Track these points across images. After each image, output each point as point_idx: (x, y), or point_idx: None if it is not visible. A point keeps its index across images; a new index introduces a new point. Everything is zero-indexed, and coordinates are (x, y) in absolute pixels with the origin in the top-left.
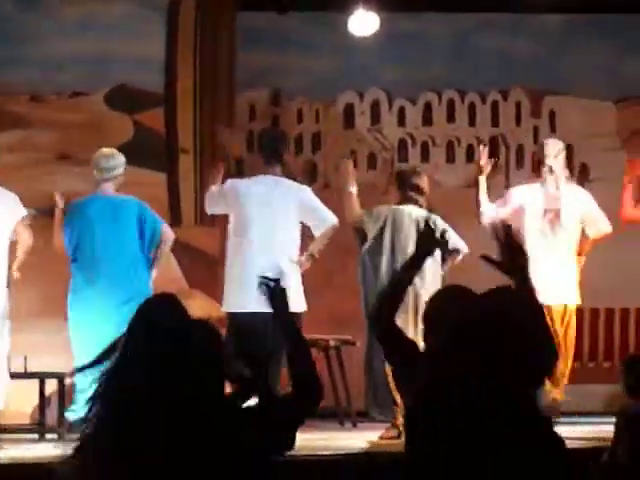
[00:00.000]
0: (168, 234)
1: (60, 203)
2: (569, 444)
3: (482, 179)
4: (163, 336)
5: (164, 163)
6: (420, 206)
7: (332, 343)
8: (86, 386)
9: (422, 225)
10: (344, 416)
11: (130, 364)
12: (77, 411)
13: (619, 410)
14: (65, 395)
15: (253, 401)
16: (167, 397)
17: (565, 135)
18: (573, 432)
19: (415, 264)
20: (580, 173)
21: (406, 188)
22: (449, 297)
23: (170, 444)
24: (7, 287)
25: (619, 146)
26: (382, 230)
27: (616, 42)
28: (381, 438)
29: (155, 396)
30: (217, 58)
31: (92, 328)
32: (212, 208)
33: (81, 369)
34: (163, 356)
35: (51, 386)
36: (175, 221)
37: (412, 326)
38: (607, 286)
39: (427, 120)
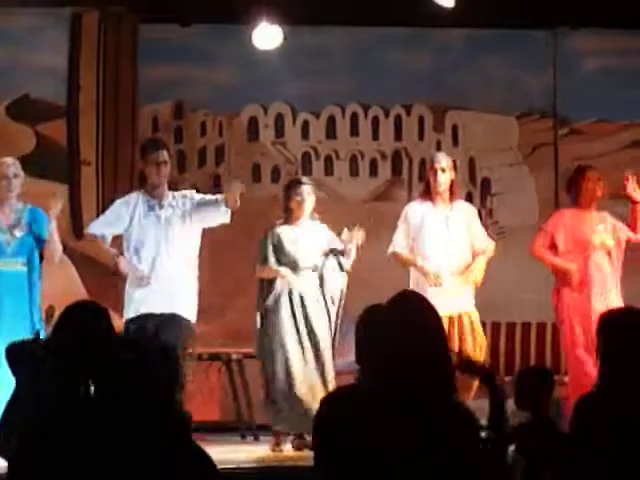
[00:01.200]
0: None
1: None
2: None
3: None
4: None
5: (66, 175)
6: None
7: (234, 356)
8: None
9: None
10: (246, 429)
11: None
12: None
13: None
14: None
15: None
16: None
17: (467, 149)
18: None
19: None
20: (483, 187)
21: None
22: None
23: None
24: None
25: (521, 160)
26: None
27: (517, 57)
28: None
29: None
30: (120, 70)
31: None
32: None
33: None
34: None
35: None
36: (77, 233)
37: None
38: (508, 300)
39: (331, 134)
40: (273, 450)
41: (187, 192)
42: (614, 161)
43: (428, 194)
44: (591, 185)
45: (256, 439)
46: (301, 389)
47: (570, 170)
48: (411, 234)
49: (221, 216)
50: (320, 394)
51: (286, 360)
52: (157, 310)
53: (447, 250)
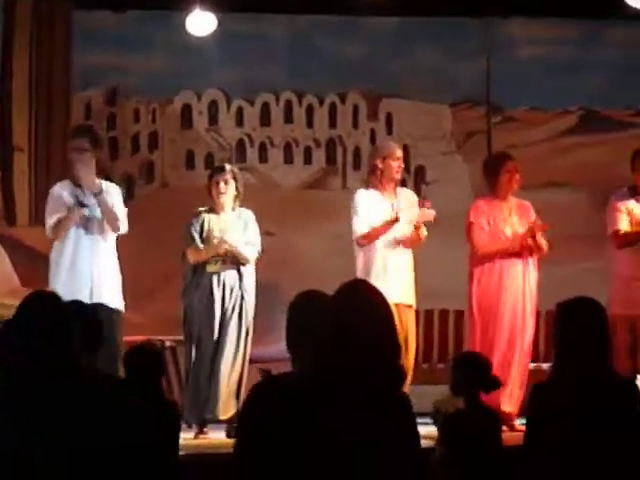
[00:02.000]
0: None
1: None
2: None
3: None
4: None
5: None
6: None
7: (168, 344)
8: None
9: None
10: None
11: None
12: None
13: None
14: None
15: None
16: None
17: (401, 138)
18: None
19: None
20: (417, 175)
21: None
22: (306, 304)
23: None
24: None
25: (454, 149)
26: None
27: (450, 46)
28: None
29: None
30: (53, 57)
31: None
32: None
33: None
34: None
35: None
36: (9, 220)
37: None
38: (441, 287)
39: (265, 121)
40: (196, 437)
41: (115, 193)
42: (547, 149)
43: (379, 182)
44: (508, 177)
45: (189, 426)
46: (224, 376)
47: (516, 160)
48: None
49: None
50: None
51: (210, 347)
52: (86, 301)
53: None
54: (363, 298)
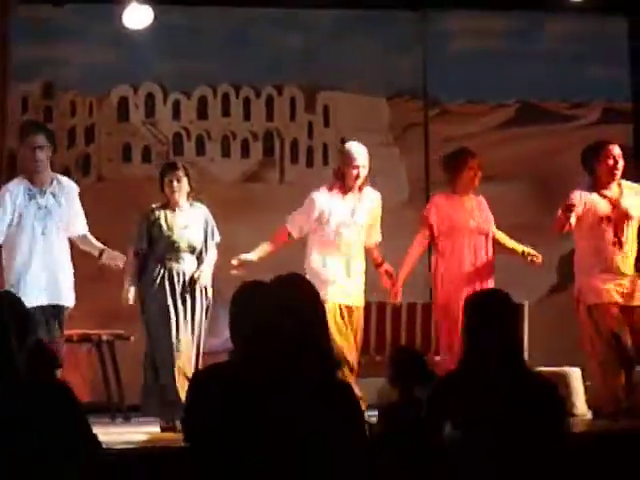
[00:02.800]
0: None
1: None
2: None
3: None
4: None
5: None
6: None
7: (105, 337)
8: None
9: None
10: (116, 411)
11: None
12: None
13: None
14: None
15: None
16: None
17: (339, 130)
18: None
19: None
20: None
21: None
22: (249, 296)
23: None
24: None
25: (391, 141)
26: None
27: (387, 38)
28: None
29: None
30: None
31: None
32: None
33: None
34: None
35: None
36: None
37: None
38: (378, 280)
39: (202, 114)
40: (162, 430)
41: (72, 192)
42: (484, 141)
43: (340, 185)
44: (471, 174)
45: (126, 420)
46: (182, 372)
47: (447, 151)
48: (315, 220)
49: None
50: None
51: (167, 339)
52: (44, 302)
53: (350, 243)
54: (293, 290)
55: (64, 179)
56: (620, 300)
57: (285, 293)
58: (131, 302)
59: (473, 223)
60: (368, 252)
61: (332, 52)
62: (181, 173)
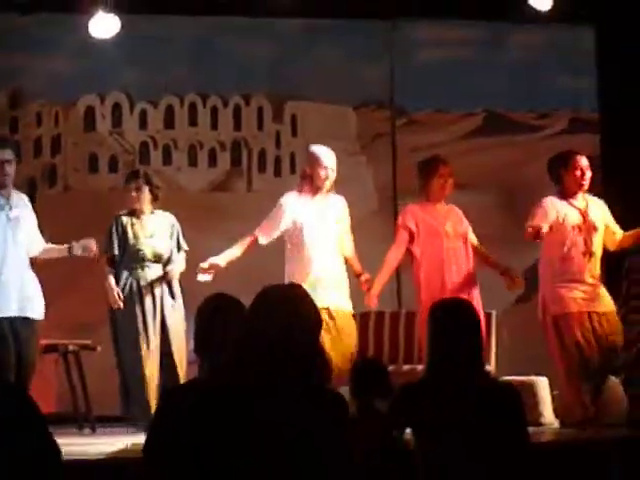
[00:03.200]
0: None
1: None
2: None
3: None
4: None
5: None
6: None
7: (71, 348)
8: None
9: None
10: (83, 421)
11: None
12: None
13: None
14: None
15: None
16: None
17: (306, 140)
18: None
19: None
20: None
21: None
22: (214, 308)
23: None
24: None
25: (359, 151)
26: None
27: (355, 48)
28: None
29: None
30: None
31: None
32: None
33: None
34: None
35: None
36: None
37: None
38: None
39: (169, 123)
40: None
41: (29, 206)
42: (450, 151)
43: (309, 189)
44: (442, 181)
45: (93, 431)
46: (152, 380)
47: (414, 160)
48: (286, 227)
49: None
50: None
51: (137, 351)
52: (12, 313)
53: (326, 244)
54: (277, 301)
55: (22, 194)
56: (585, 308)
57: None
58: (121, 306)
59: (450, 227)
60: (347, 262)
61: (300, 61)
62: (141, 182)
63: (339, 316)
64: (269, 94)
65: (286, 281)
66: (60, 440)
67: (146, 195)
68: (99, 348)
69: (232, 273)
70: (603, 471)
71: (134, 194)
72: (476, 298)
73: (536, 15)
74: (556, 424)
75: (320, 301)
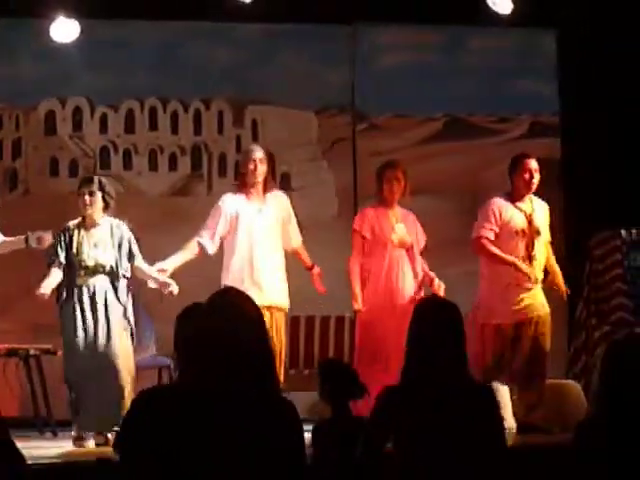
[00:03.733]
0: None
1: None
2: None
3: None
4: None
5: None
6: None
7: (32, 352)
8: None
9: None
10: (43, 425)
11: None
12: None
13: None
14: None
15: None
16: None
17: (267, 144)
18: None
19: None
20: (282, 182)
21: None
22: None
23: None
24: None
25: (320, 155)
26: None
27: (315, 52)
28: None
29: None
30: None
31: None
32: None
33: None
34: None
35: None
36: None
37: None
38: (307, 293)
39: (129, 128)
40: (76, 445)
41: None
42: (411, 156)
43: (243, 186)
44: (389, 185)
45: (54, 435)
46: (92, 386)
47: (375, 165)
48: (226, 227)
49: None
50: (114, 390)
51: (78, 356)
52: None
53: (263, 242)
54: (232, 305)
55: None
56: (518, 317)
57: (216, 309)
58: (46, 291)
59: (395, 237)
60: (295, 255)
61: (261, 66)
62: (95, 187)
63: (275, 313)
64: (230, 99)
65: (223, 279)
66: (21, 444)
67: (98, 202)
68: (59, 352)
69: (187, 278)
70: (562, 474)
71: (86, 198)
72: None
73: (497, 19)
74: (514, 429)
75: (260, 299)
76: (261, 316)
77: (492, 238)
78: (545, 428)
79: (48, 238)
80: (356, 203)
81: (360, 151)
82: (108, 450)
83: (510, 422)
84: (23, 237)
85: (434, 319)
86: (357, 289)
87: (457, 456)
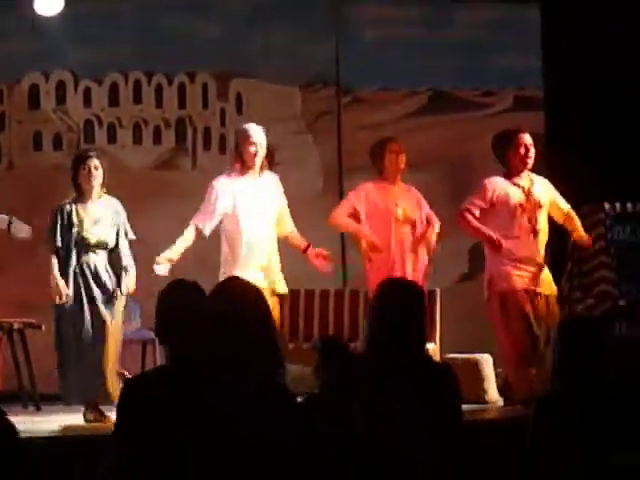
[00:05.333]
0: None
1: None
2: None
3: None
4: None
5: None
6: None
7: (16, 326)
8: None
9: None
10: (28, 400)
11: None
12: None
13: None
14: None
15: None
16: None
17: (251, 118)
18: None
19: None
20: (266, 156)
21: None
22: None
23: None
24: None
25: (304, 129)
26: None
27: (300, 26)
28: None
29: None
30: None
31: None
32: None
33: None
34: None
35: None
36: None
37: None
38: (300, 269)
39: (113, 101)
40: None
41: None
42: (396, 130)
43: (240, 168)
44: (393, 158)
45: (38, 409)
46: (91, 361)
47: (360, 139)
48: (222, 209)
49: None
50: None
51: (77, 331)
52: None
53: (261, 226)
54: (238, 293)
55: None
56: (529, 286)
57: (225, 297)
58: (65, 299)
59: (400, 211)
60: (290, 241)
61: (245, 39)
62: (98, 162)
63: (273, 297)
64: (214, 72)
65: (223, 262)
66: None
67: (100, 177)
68: (44, 327)
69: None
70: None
71: (94, 172)
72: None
73: None
74: (500, 402)
75: (262, 283)
76: (265, 301)
77: (476, 213)
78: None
79: (26, 234)
80: (341, 176)
81: (345, 125)
82: (102, 426)
83: (493, 395)
84: (7, 218)
85: (393, 297)
86: (353, 225)
87: (412, 432)
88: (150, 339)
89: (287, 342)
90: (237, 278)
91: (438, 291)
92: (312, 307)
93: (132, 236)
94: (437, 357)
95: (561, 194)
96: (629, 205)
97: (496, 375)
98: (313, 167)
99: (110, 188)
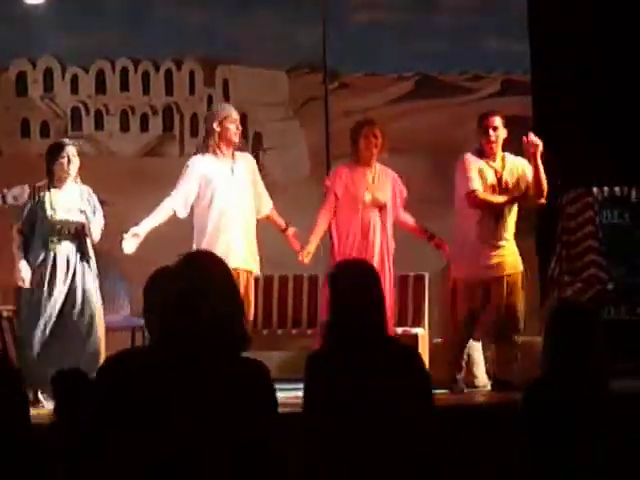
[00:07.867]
0: None
1: None
2: None
3: None
4: None
5: None
6: None
7: (5, 314)
8: None
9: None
10: None
11: None
12: None
13: None
14: None
15: None
16: None
17: (238, 104)
18: None
19: None
20: (254, 142)
21: None
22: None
23: None
24: None
25: (291, 115)
26: None
27: (287, 11)
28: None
29: None
30: None
31: None
32: None
33: None
34: None
35: None
36: None
37: None
38: (281, 253)
39: (101, 88)
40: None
41: None
42: (383, 115)
43: (217, 146)
44: (367, 142)
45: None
46: (56, 347)
47: (347, 125)
48: (197, 189)
49: None
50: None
51: (44, 319)
52: None
53: (236, 201)
54: (204, 267)
55: None
56: (492, 273)
57: (190, 270)
58: (27, 283)
59: (368, 195)
60: (268, 220)
61: (231, 25)
62: (75, 150)
63: (242, 274)
64: (200, 58)
65: (196, 242)
66: None
67: (76, 167)
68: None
69: (158, 240)
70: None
71: (74, 161)
72: (389, 267)
73: None
74: (489, 386)
75: (232, 262)
76: (231, 276)
77: (481, 189)
78: (519, 385)
79: (24, 195)
80: (328, 162)
81: (332, 110)
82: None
83: (483, 380)
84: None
85: (345, 279)
86: (315, 240)
87: (379, 418)
88: (139, 326)
89: (261, 328)
90: (204, 251)
91: (427, 275)
92: (286, 292)
93: (101, 220)
94: (426, 342)
95: (548, 178)
96: (617, 189)
97: (485, 359)
98: (300, 152)
99: (97, 175)
